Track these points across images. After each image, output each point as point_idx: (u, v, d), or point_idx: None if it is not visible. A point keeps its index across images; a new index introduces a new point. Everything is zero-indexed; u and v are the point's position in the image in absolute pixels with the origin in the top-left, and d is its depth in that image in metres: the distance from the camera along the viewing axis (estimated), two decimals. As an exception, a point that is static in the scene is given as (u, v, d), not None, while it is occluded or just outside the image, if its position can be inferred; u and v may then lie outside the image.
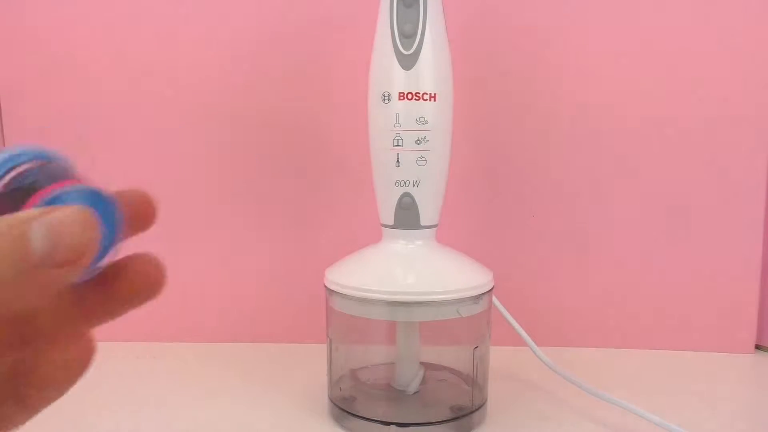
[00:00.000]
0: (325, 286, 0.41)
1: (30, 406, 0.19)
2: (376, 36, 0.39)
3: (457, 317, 0.38)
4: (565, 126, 0.54)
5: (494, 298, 0.43)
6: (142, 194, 0.20)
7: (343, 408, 0.41)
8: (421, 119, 0.38)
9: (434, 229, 0.41)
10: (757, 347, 0.56)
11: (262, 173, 0.55)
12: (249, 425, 0.41)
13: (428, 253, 0.41)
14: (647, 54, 0.52)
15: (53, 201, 0.16)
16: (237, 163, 0.55)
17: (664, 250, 0.55)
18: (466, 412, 0.40)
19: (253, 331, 0.57)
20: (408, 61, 0.38)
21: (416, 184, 0.39)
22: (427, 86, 0.38)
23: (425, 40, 0.38)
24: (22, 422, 0.19)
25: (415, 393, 0.43)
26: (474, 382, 0.42)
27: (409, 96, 0.38)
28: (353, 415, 0.40)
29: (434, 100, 0.38)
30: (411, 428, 0.39)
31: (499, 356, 0.45)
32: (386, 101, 0.38)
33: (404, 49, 0.38)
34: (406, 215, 0.40)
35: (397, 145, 0.38)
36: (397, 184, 0.39)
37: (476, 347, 0.42)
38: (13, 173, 0.17)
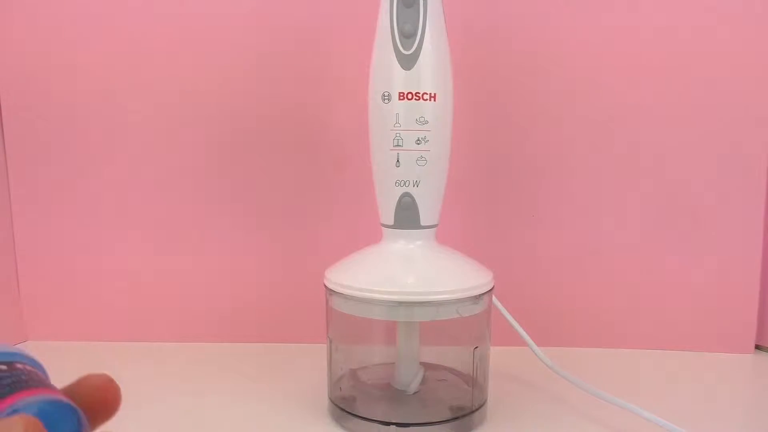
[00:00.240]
0: (325, 286, 0.41)
1: None
2: (376, 36, 0.39)
3: (457, 317, 0.38)
4: (565, 126, 0.54)
5: (494, 298, 0.43)
6: (105, 381, 0.20)
7: (343, 408, 0.41)
8: (421, 119, 0.38)
9: (434, 229, 0.41)
10: (757, 347, 0.56)
11: (262, 173, 0.55)
12: (249, 425, 0.41)
13: (428, 253, 0.41)
14: (648, 54, 0.52)
15: (14, 411, 0.17)
16: (237, 162, 0.55)
17: (664, 250, 0.55)
18: (466, 412, 0.40)
19: (253, 331, 0.57)
20: (408, 61, 0.38)
21: (416, 184, 0.39)
22: (427, 86, 0.38)
23: (425, 40, 0.38)
24: None
25: (415, 393, 0.43)
26: (474, 382, 0.42)
27: (409, 96, 0.38)
28: (353, 415, 0.40)
29: (434, 100, 0.38)
30: (411, 428, 0.39)
31: (499, 356, 0.45)
32: (386, 101, 0.38)
33: (404, 49, 0.38)
34: (406, 215, 0.40)
35: (397, 145, 0.38)
36: (397, 184, 0.39)
37: (476, 347, 0.42)
38: None
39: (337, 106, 0.54)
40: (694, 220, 0.54)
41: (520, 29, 0.53)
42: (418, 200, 0.39)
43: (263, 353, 0.54)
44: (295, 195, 0.55)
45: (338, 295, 0.39)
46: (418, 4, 0.38)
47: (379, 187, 0.41)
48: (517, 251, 0.55)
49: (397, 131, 0.38)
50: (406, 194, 0.39)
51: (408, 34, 0.38)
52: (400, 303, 0.38)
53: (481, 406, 0.41)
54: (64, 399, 0.18)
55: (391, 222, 0.40)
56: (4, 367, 0.18)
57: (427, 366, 0.44)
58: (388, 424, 0.39)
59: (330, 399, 0.42)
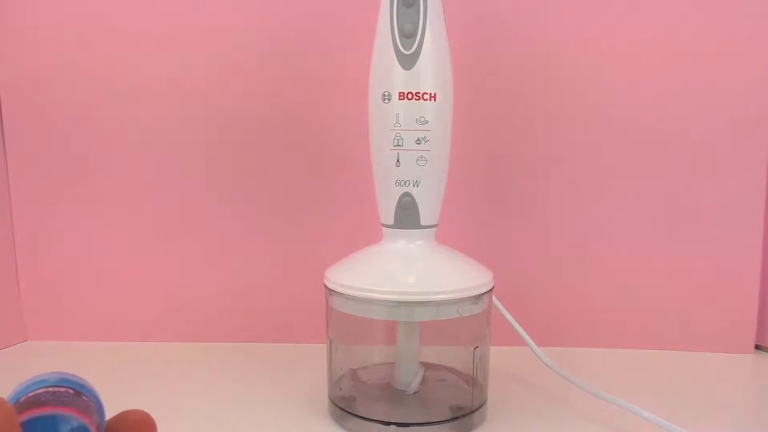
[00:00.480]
0: (325, 286, 0.41)
1: None
2: (377, 36, 0.39)
3: (457, 317, 0.38)
4: (565, 125, 0.54)
5: (494, 298, 0.43)
6: (143, 417, 0.21)
7: (343, 408, 0.41)
8: (421, 119, 0.38)
9: (434, 228, 0.41)
10: (757, 347, 0.56)
11: (262, 173, 0.55)
12: (249, 425, 0.41)
13: (428, 253, 0.41)
14: (648, 55, 0.53)
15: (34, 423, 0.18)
16: (237, 162, 0.55)
17: (664, 249, 0.55)
18: (466, 412, 0.40)
19: (253, 331, 0.57)
20: (408, 61, 0.38)
21: (416, 183, 0.39)
22: (427, 86, 0.38)
23: (425, 40, 0.38)
24: None
25: (415, 393, 0.43)
26: (474, 382, 0.42)
27: (409, 96, 0.38)
28: (353, 415, 0.40)
29: (434, 100, 0.38)
30: (411, 428, 0.39)
31: (499, 356, 0.45)
32: (386, 101, 0.38)
33: (404, 48, 0.38)
34: (406, 215, 0.40)
35: (397, 145, 0.38)
36: (397, 184, 0.39)
37: (476, 347, 0.42)
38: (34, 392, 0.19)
39: (337, 106, 0.54)
40: (693, 220, 0.54)
41: (521, 29, 0.53)
42: (418, 200, 0.39)
43: (263, 353, 0.54)
44: (296, 195, 0.55)
45: (338, 295, 0.39)
46: (418, 4, 0.38)
47: (379, 187, 0.41)
48: (517, 251, 0.55)
49: (397, 131, 0.38)
50: (406, 194, 0.39)
51: (408, 34, 0.38)
52: (400, 303, 0.38)
53: (481, 406, 0.41)
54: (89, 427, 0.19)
55: (391, 222, 0.40)
56: (71, 391, 0.20)
57: (427, 366, 0.44)
58: (388, 424, 0.39)
59: (330, 399, 0.42)
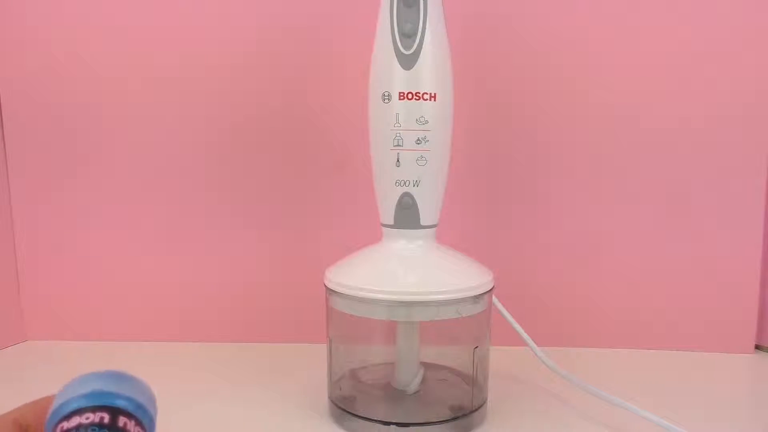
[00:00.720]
0: (325, 286, 0.41)
1: None
2: (377, 36, 0.39)
3: (457, 317, 0.38)
4: (565, 125, 0.54)
5: (494, 298, 0.43)
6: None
7: (343, 408, 0.41)
8: (421, 119, 0.38)
9: (434, 228, 0.41)
10: (757, 347, 0.56)
11: (263, 173, 0.55)
12: (249, 425, 0.41)
13: (428, 253, 0.41)
14: (648, 54, 0.53)
15: None
16: (237, 162, 0.55)
17: (664, 249, 0.55)
18: (466, 412, 0.40)
19: (253, 331, 0.57)
20: (408, 61, 0.38)
21: (416, 183, 0.39)
22: (427, 86, 0.38)
23: (425, 40, 0.38)
24: None
25: (415, 393, 0.43)
26: (474, 382, 0.42)
27: (409, 96, 0.38)
28: (353, 415, 0.40)
29: (434, 100, 0.38)
30: (411, 428, 0.39)
31: (499, 356, 0.45)
32: (386, 101, 0.38)
33: (404, 48, 0.38)
34: (406, 215, 0.40)
35: (397, 145, 0.38)
36: (397, 184, 0.39)
37: (476, 347, 0.42)
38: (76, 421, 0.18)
39: (337, 106, 0.54)
40: (694, 220, 0.54)
41: (521, 29, 0.53)
42: (418, 200, 0.39)
43: (263, 353, 0.54)
44: (296, 195, 0.55)
45: (338, 295, 0.39)
46: (419, 4, 0.38)
47: (379, 187, 0.41)
48: (517, 251, 0.55)
49: (397, 131, 0.38)
50: (406, 194, 0.39)
51: (408, 33, 0.38)
52: (400, 303, 0.38)
53: (481, 406, 0.41)
54: None
55: (391, 222, 0.40)
56: (106, 418, 0.18)
57: (427, 366, 0.44)
58: (388, 423, 0.39)
59: (330, 399, 0.42)
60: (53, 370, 0.49)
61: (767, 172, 0.53)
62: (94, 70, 0.54)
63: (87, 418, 0.18)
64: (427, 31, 0.38)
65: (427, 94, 0.38)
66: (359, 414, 0.40)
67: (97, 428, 0.18)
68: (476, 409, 0.41)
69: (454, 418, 0.40)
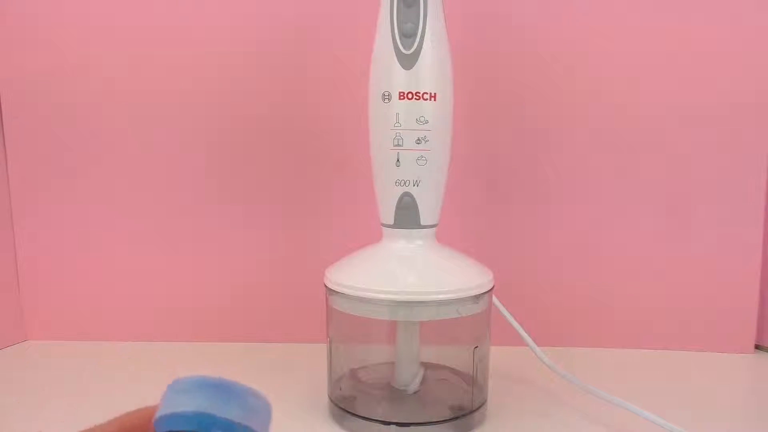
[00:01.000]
0: (325, 286, 0.41)
1: None
2: (377, 36, 0.39)
3: (457, 317, 0.38)
4: (565, 125, 0.54)
5: (494, 298, 0.43)
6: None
7: (343, 408, 0.41)
8: (421, 119, 0.38)
9: (434, 228, 0.41)
10: (757, 347, 0.56)
11: (262, 173, 0.55)
12: (249, 425, 0.41)
13: (428, 253, 0.41)
14: (648, 53, 0.53)
15: None
16: (237, 162, 0.55)
17: (664, 249, 0.55)
18: (466, 412, 0.40)
19: (253, 330, 0.57)
20: (408, 61, 0.38)
21: (416, 183, 0.39)
22: (427, 86, 0.38)
23: (425, 40, 0.38)
24: None
25: (415, 393, 0.43)
26: (474, 381, 0.42)
27: (410, 96, 0.38)
28: (353, 414, 0.40)
29: (434, 100, 0.38)
30: (411, 428, 0.39)
31: (499, 356, 0.45)
32: (386, 101, 0.38)
33: (404, 48, 0.38)
34: (406, 215, 0.40)
35: (397, 145, 0.38)
36: (397, 184, 0.39)
37: (476, 347, 0.42)
38: None
39: (337, 106, 0.54)
40: (694, 220, 0.54)
41: (521, 29, 0.53)
42: (418, 200, 0.39)
43: (263, 353, 0.54)
44: (296, 195, 0.55)
45: (338, 295, 0.39)
46: (419, 4, 0.38)
47: (379, 186, 0.41)
48: (517, 251, 0.55)
49: (397, 131, 0.38)
50: (406, 194, 0.39)
51: (408, 33, 0.38)
52: (400, 303, 0.38)
53: (481, 406, 0.41)
54: None
55: (391, 222, 0.40)
56: None
57: (427, 366, 0.44)
58: (388, 423, 0.39)
59: (330, 399, 0.42)
60: (53, 370, 0.49)
61: (767, 172, 0.53)
62: (95, 70, 0.54)
63: None
64: (427, 31, 0.38)
65: (427, 94, 0.38)
66: (359, 414, 0.40)
67: None
68: (476, 409, 0.41)
69: (454, 418, 0.40)
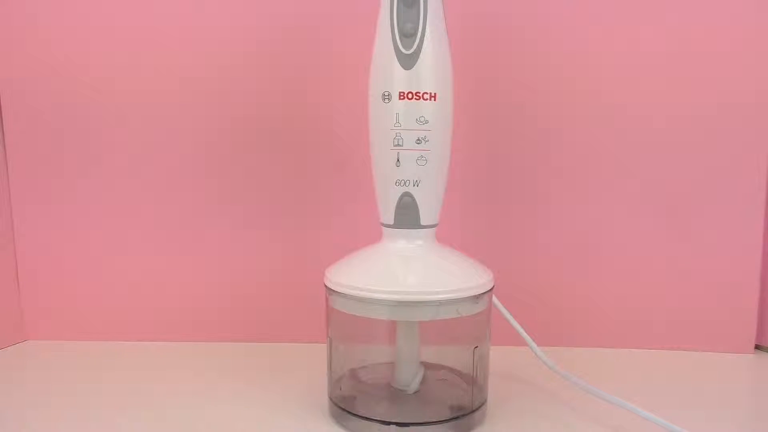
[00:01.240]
0: (325, 286, 0.41)
1: None
2: (377, 36, 0.39)
3: (457, 317, 0.38)
4: (565, 125, 0.54)
5: (494, 298, 0.43)
6: None
7: (343, 407, 0.41)
8: (421, 119, 0.38)
9: (434, 228, 0.41)
10: (757, 347, 0.56)
11: (262, 173, 0.55)
12: (249, 425, 0.41)
13: (428, 253, 0.41)
14: (648, 53, 0.53)
15: None
16: (237, 162, 0.55)
17: (663, 249, 0.55)
18: (466, 412, 0.40)
19: (253, 331, 0.57)
20: (408, 61, 0.38)
21: (416, 183, 0.39)
22: (427, 86, 0.38)
23: (426, 40, 0.38)
24: None
25: (415, 393, 0.43)
26: (474, 381, 0.42)
27: (410, 95, 0.38)
28: (353, 414, 0.40)
29: (434, 100, 0.38)
30: (411, 428, 0.39)
31: (499, 356, 0.45)
32: (386, 101, 0.38)
33: (404, 48, 0.38)
34: (406, 215, 0.40)
35: (397, 145, 0.38)
36: (397, 184, 0.39)
37: (476, 347, 0.42)
38: None
39: (337, 105, 0.54)
40: (693, 219, 0.54)
41: (521, 29, 0.53)
42: (418, 200, 0.39)
43: (263, 353, 0.54)
44: (295, 194, 0.55)
45: (338, 295, 0.39)
46: (419, 4, 0.38)
47: (379, 186, 0.41)
48: (517, 251, 0.55)
49: (397, 131, 0.38)
50: (406, 194, 0.39)
51: (408, 33, 0.38)
52: (400, 303, 0.38)
53: (480, 406, 0.41)
54: None
55: (391, 222, 0.40)
56: None
57: (427, 366, 0.44)
58: (388, 423, 0.39)
59: (330, 398, 0.42)
60: (53, 370, 0.49)
61: (767, 172, 0.53)
62: (95, 70, 0.54)
63: None
64: (427, 31, 0.38)
65: (427, 94, 0.38)
66: (359, 414, 0.40)
67: None
68: (476, 409, 0.41)
69: (454, 418, 0.40)
